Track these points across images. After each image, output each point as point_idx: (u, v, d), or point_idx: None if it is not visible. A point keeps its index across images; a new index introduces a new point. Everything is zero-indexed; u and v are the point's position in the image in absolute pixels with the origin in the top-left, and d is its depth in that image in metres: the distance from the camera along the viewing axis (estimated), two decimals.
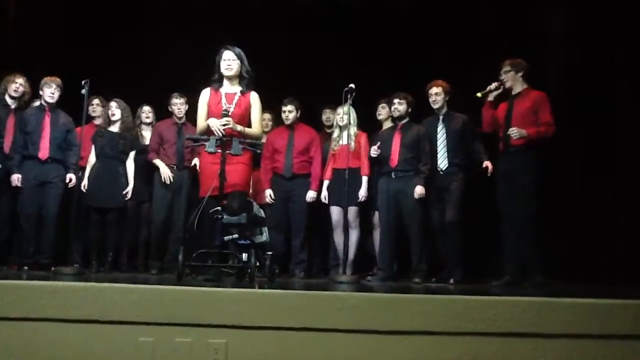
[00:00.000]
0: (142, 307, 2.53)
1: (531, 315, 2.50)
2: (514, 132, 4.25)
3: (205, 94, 3.91)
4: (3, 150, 4.88)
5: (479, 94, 4.58)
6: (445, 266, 4.78)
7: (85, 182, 5.03)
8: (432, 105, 4.91)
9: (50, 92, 4.92)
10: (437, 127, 4.88)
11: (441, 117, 4.90)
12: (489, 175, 4.74)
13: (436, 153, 4.81)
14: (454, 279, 4.61)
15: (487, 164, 4.77)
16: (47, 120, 4.94)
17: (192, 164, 5.15)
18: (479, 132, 4.82)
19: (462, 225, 4.72)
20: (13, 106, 5.00)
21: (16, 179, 4.79)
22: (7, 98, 4.99)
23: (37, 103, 5.13)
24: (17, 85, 4.97)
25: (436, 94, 4.88)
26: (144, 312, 2.52)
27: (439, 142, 4.84)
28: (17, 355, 2.49)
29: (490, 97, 4.58)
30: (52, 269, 4.44)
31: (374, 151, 4.88)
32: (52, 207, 4.85)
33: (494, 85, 4.54)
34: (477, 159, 4.84)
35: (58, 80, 4.97)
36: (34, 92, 5.09)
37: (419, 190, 4.69)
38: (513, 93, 4.50)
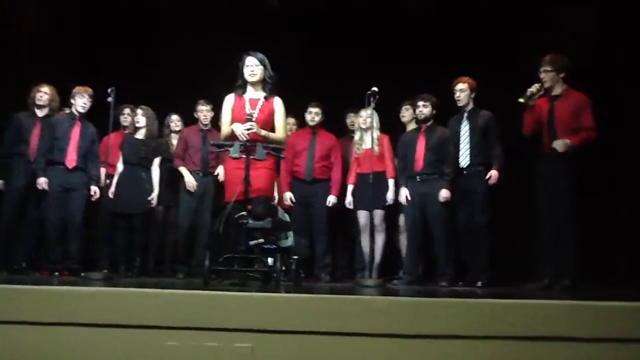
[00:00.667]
0: (169, 311, 2.54)
1: (562, 318, 2.45)
2: (559, 145, 4.17)
3: (229, 100, 3.93)
4: (28, 157, 4.95)
5: (521, 100, 4.38)
6: (473, 269, 4.71)
7: (112, 188, 5.10)
8: (457, 102, 4.82)
9: (82, 102, 5.00)
10: (460, 124, 4.78)
11: (466, 114, 4.81)
12: (490, 185, 4.57)
13: (458, 151, 4.72)
14: (481, 282, 4.55)
15: (493, 174, 4.57)
16: (77, 129, 5.01)
17: (216, 172, 5.19)
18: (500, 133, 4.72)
19: (490, 228, 4.65)
20: (40, 115, 5.08)
21: (43, 182, 4.86)
22: (34, 107, 5.08)
23: (67, 111, 5.22)
24: (42, 93, 5.06)
25: (461, 90, 4.79)
26: (170, 317, 2.53)
27: (461, 140, 4.74)
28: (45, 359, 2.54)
29: (532, 102, 4.39)
30: (82, 274, 4.52)
31: (397, 162, 4.86)
32: (77, 214, 4.92)
33: (534, 88, 4.34)
34: (492, 163, 4.64)
35: (90, 90, 5.04)
36: (62, 100, 5.18)
37: (444, 194, 4.64)
38: (553, 94, 4.36)
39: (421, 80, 5.41)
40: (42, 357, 2.54)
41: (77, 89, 5.05)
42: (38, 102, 5.06)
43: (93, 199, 4.99)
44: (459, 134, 4.76)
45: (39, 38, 6.30)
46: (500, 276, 4.73)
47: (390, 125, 5.27)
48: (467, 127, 4.75)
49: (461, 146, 4.73)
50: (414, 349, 2.44)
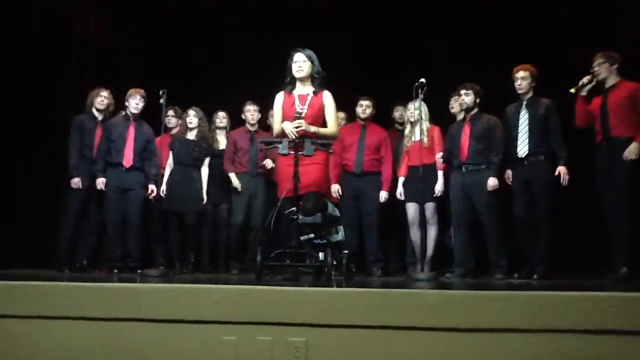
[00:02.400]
0: (224, 306, 2.59)
1: (621, 310, 2.37)
2: (630, 153, 4.13)
3: (279, 98, 3.96)
4: (92, 160, 5.11)
5: (572, 90, 4.40)
6: (530, 262, 4.60)
7: (163, 187, 5.24)
8: (517, 90, 4.70)
9: (135, 103, 5.15)
10: (519, 112, 4.68)
11: (525, 102, 4.70)
12: (562, 182, 4.46)
13: (515, 140, 4.63)
14: (537, 274, 4.44)
15: (561, 170, 4.47)
16: (132, 130, 5.17)
17: (264, 163, 5.23)
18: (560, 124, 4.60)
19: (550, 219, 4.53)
20: (100, 118, 5.24)
21: (101, 182, 5.03)
22: (93, 111, 5.23)
23: (123, 113, 5.39)
24: (102, 98, 5.21)
25: (522, 78, 4.67)
26: (226, 312, 2.58)
27: (520, 128, 4.63)
28: (109, 354, 2.63)
29: (583, 92, 4.39)
30: (139, 271, 4.66)
31: (439, 158, 4.78)
32: (134, 213, 5.08)
33: (585, 79, 4.36)
34: (555, 154, 4.55)
35: (142, 91, 5.20)
36: (118, 103, 5.34)
37: (491, 182, 4.55)
38: (606, 86, 4.32)
39: (472, 70, 5.31)
40: (102, 352, 2.63)
41: (130, 91, 5.21)
42: (98, 107, 5.21)
43: (150, 197, 5.13)
44: (518, 123, 4.66)
45: (94, 43, 6.53)
46: (558, 268, 4.61)
47: (442, 118, 5.20)
48: (527, 115, 4.64)
49: (520, 135, 4.63)
50: (467, 342, 2.41)
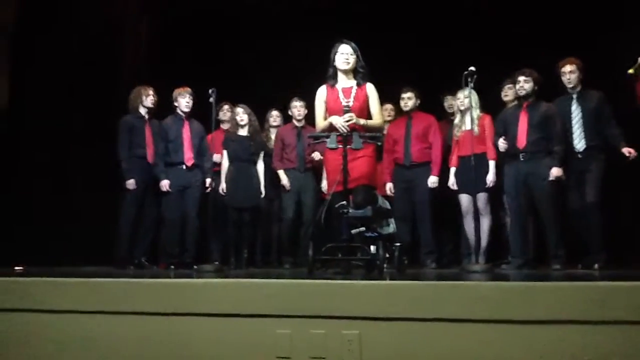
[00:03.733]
0: (278, 300, 2.62)
1: None
2: None
3: (322, 92, 3.94)
4: (147, 160, 5.22)
5: (630, 71, 4.27)
6: (589, 251, 4.46)
7: (222, 185, 5.33)
8: (565, 84, 4.60)
9: (185, 101, 5.26)
10: (570, 107, 4.56)
11: (575, 96, 4.57)
12: (629, 160, 4.35)
13: (570, 134, 4.51)
14: (598, 264, 4.30)
15: (629, 150, 4.36)
16: (187, 128, 5.27)
17: (312, 156, 5.24)
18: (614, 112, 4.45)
19: (606, 208, 4.38)
20: (146, 117, 5.31)
21: (166, 184, 5.13)
22: (140, 110, 5.29)
23: (174, 114, 5.50)
24: (151, 96, 5.27)
25: (570, 72, 4.57)
26: (280, 305, 2.61)
27: (573, 122, 4.53)
28: (167, 348, 2.71)
29: None
30: (195, 267, 4.77)
31: (502, 143, 4.67)
32: (193, 210, 5.19)
33: None
34: (614, 143, 4.44)
35: (189, 89, 5.29)
36: (165, 103, 5.43)
37: (555, 172, 4.42)
38: None
39: (523, 57, 5.17)
40: (161, 346, 2.71)
41: (177, 90, 5.30)
42: (148, 105, 5.27)
43: (207, 191, 5.22)
44: (570, 117, 4.54)
45: (145, 44, 6.71)
46: (620, 258, 4.45)
47: (492, 106, 5.09)
48: (579, 109, 4.54)
49: (574, 129, 4.52)
50: (524, 335, 2.35)
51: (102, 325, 2.80)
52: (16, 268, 4.47)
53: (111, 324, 2.79)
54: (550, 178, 4.44)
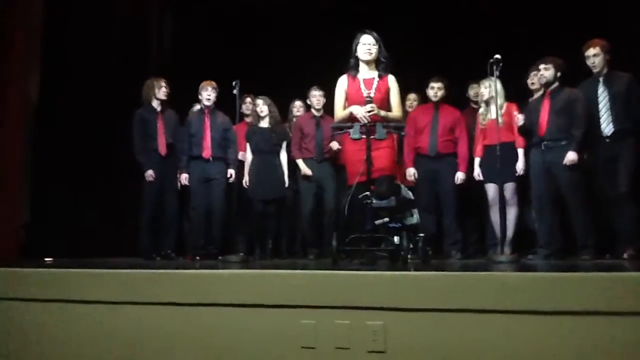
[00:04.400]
0: (302, 291, 2.63)
1: None
2: None
3: (343, 82, 3.92)
4: (159, 152, 5.23)
5: None
6: (618, 240, 4.38)
7: (246, 177, 5.36)
8: (591, 68, 4.50)
9: (207, 95, 5.29)
10: (597, 90, 4.46)
11: (602, 79, 4.47)
12: None
13: (597, 118, 4.41)
14: (628, 254, 4.22)
15: None
16: (207, 121, 5.31)
17: (330, 145, 5.21)
18: None
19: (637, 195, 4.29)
20: (159, 109, 5.33)
21: (184, 178, 5.22)
22: (153, 103, 5.31)
23: (197, 107, 5.54)
24: (164, 88, 5.29)
25: (594, 55, 4.46)
26: (304, 296, 2.61)
27: (600, 106, 4.42)
28: (193, 338, 2.74)
29: None
30: (220, 257, 4.81)
31: (521, 119, 4.60)
32: (218, 201, 5.24)
33: None
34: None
35: (213, 83, 5.32)
36: (187, 96, 5.47)
37: (570, 156, 4.34)
38: None
39: (549, 44, 5.07)
40: (187, 336, 2.74)
41: (202, 84, 5.34)
42: (161, 97, 5.29)
43: (230, 182, 5.26)
44: (597, 102, 4.44)
45: (168, 37, 6.76)
46: None
47: (520, 95, 5.01)
48: (606, 92, 4.43)
49: (601, 113, 4.42)
50: (551, 326, 2.32)
51: (129, 316, 2.84)
52: (46, 260, 4.56)
53: (138, 314, 2.83)
54: (566, 163, 4.35)
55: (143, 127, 5.22)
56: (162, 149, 5.24)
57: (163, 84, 5.32)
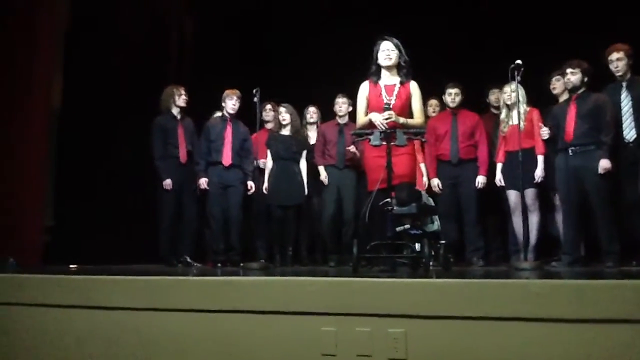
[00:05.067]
0: (323, 298, 2.62)
1: None
2: None
3: (364, 88, 3.94)
4: (179, 159, 5.27)
5: None
6: None
7: (265, 184, 5.38)
8: (614, 72, 4.44)
9: (232, 103, 5.33)
10: (620, 95, 4.40)
11: (625, 84, 4.41)
12: None
13: (620, 123, 4.35)
14: None
15: None
16: (229, 129, 5.35)
17: (349, 148, 5.20)
18: None
19: None
20: (179, 117, 5.37)
21: (203, 182, 5.25)
22: (173, 110, 5.35)
23: (218, 114, 5.58)
24: (183, 95, 5.33)
25: (618, 60, 4.40)
26: (325, 303, 2.61)
27: (623, 111, 4.36)
28: (213, 345, 2.75)
29: None
30: (241, 264, 4.83)
31: (546, 132, 4.56)
32: (235, 208, 5.27)
33: None
34: None
35: (238, 92, 5.35)
36: (207, 102, 5.50)
37: (603, 164, 4.27)
38: None
39: (571, 48, 5.02)
40: (207, 343, 2.76)
41: (226, 92, 5.38)
42: (180, 104, 5.33)
43: (249, 194, 5.29)
44: (620, 105, 4.37)
45: (189, 45, 6.83)
46: None
47: (541, 100, 4.96)
48: (629, 97, 4.37)
49: (624, 118, 4.35)
50: (575, 334, 2.28)
51: (152, 322, 2.87)
52: (70, 266, 4.62)
53: (160, 320, 2.85)
54: (600, 171, 4.29)
55: (163, 134, 5.26)
56: (183, 157, 5.29)
57: (183, 91, 5.37)
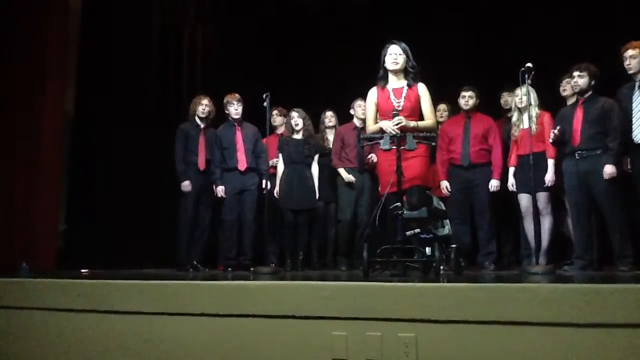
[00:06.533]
0: (333, 302, 2.63)
1: None
2: None
3: (373, 93, 3.94)
4: (198, 166, 5.31)
5: None
6: None
7: (277, 188, 5.39)
8: (627, 70, 4.38)
9: (234, 108, 5.35)
10: (632, 95, 4.34)
11: (637, 83, 4.36)
12: None
13: (631, 124, 4.29)
14: None
15: None
16: (239, 134, 5.36)
17: (369, 157, 5.22)
18: None
19: None
20: (202, 125, 5.42)
21: (220, 190, 5.26)
22: (196, 119, 5.41)
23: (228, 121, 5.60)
24: (204, 106, 5.38)
25: (631, 57, 4.32)
26: (335, 307, 2.61)
27: (634, 112, 4.29)
28: (224, 349, 2.76)
29: None
30: (252, 269, 4.84)
31: (553, 135, 4.53)
32: (250, 213, 5.28)
33: None
34: None
35: (237, 95, 5.38)
36: (219, 110, 5.52)
37: (608, 170, 4.23)
38: None
39: (584, 50, 4.99)
40: (218, 347, 2.77)
41: (226, 98, 5.40)
42: (200, 115, 5.39)
43: (264, 192, 5.30)
44: (631, 106, 4.32)
45: (201, 51, 6.88)
46: None
47: (552, 103, 4.93)
48: None
49: (634, 119, 4.29)
50: (587, 339, 2.27)
51: (163, 326, 2.88)
52: (82, 271, 4.66)
53: (171, 324, 2.87)
54: (605, 177, 4.25)
55: (185, 140, 5.33)
56: (202, 164, 5.34)
57: (205, 101, 5.42)
